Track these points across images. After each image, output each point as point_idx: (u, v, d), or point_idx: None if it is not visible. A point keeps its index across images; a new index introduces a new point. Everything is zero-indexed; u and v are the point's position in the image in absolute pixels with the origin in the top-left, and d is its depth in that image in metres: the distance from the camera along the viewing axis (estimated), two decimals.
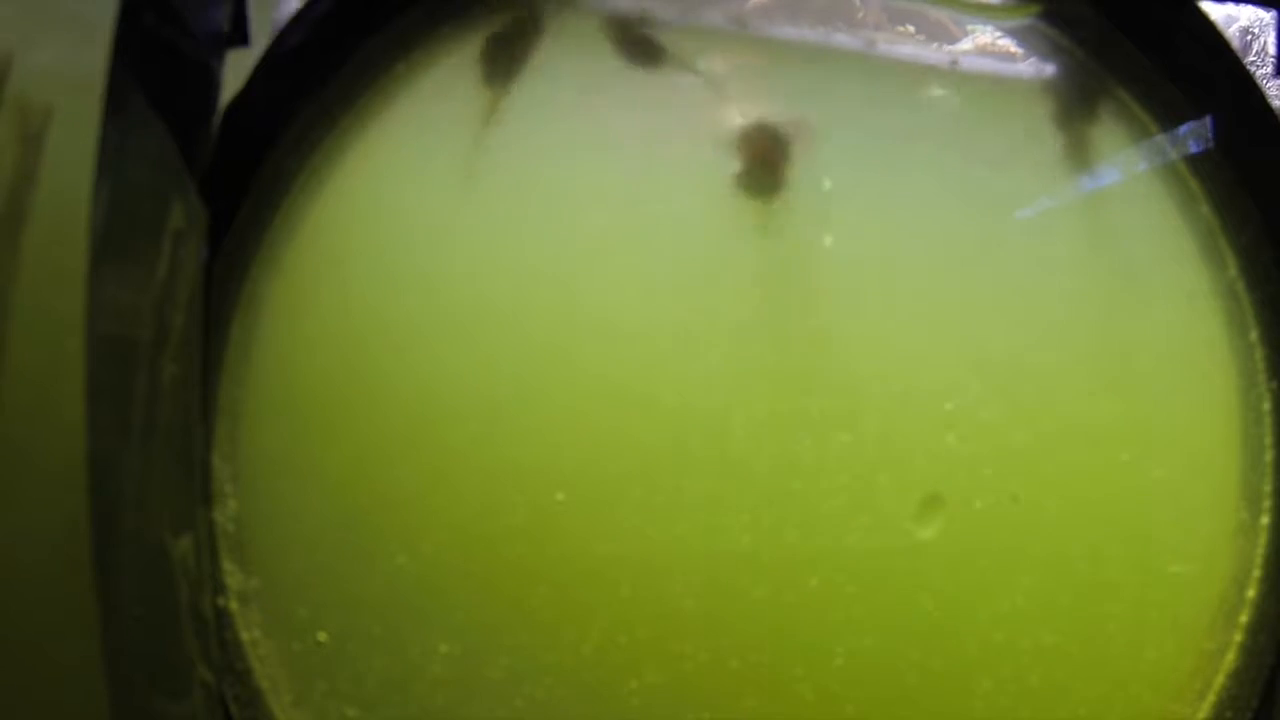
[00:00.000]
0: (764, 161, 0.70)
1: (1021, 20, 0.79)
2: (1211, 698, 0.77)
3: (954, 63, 0.76)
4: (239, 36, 0.73)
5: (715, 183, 0.75)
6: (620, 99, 0.76)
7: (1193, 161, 0.78)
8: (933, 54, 0.77)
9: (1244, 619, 0.77)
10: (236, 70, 0.73)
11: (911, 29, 0.77)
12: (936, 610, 0.74)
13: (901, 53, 0.76)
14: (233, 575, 0.73)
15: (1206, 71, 0.78)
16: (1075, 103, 0.78)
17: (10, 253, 0.49)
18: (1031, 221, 0.77)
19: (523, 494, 0.73)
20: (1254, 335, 0.78)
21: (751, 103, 0.74)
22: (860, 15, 0.77)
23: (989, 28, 0.78)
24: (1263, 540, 0.77)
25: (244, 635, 0.73)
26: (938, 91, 0.77)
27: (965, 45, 0.77)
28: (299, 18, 0.74)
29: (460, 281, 0.74)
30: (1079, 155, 0.78)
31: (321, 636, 0.73)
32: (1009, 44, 0.78)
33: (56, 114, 0.50)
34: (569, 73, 0.76)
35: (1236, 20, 0.81)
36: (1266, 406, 0.77)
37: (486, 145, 0.74)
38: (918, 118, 0.77)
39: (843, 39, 0.75)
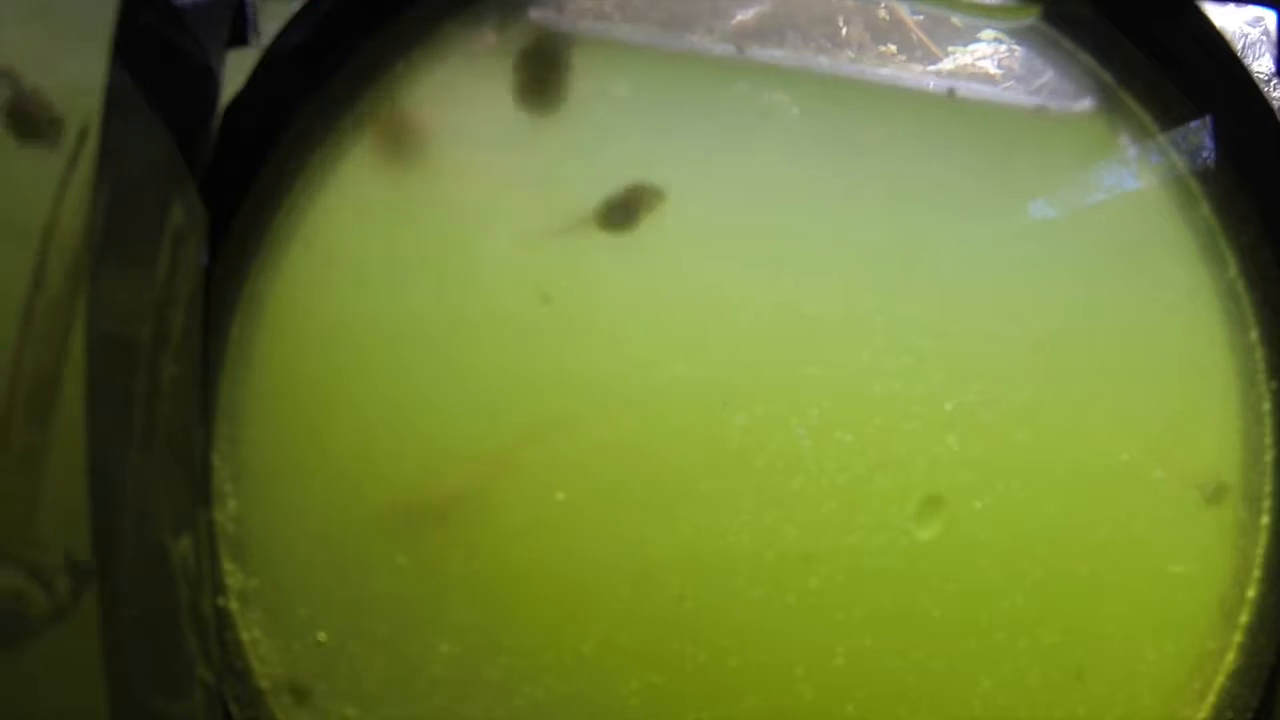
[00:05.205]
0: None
1: (1022, 21, 0.79)
2: (1211, 698, 0.77)
3: (951, 91, 0.77)
4: (239, 36, 0.73)
5: (712, 184, 0.75)
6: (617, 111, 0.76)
7: (1193, 162, 0.78)
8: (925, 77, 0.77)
9: (1244, 619, 0.77)
10: (236, 70, 0.73)
11: (894, 48, 0.77)
12: (936, 610, 0.74)
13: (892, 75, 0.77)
14: (233, 575, 0.73)
15: (1207, 72, 0.78)
16: (1074, 109, 0.78)
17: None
18: (1031, 224, 0.77)
19: (523, 494, 0.73)
20: (1254, 335, 0.78)
21: None
22: (844, 33, 0.77)
23: (970, 48, 0.78)
24: (1263, 540, 0.77)
25: (244, 635, 0.73)
26: (933, 106, 0.77)
27: (947, 65, 0.78)
28: (299, 18, 0.74)
29: (460, 282, 0.74)
30: (1079, 157, 0.78)
31: (321, 636, 0.73)
32: (988, 66, 0.78)
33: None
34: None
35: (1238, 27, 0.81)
36: (1266, 406, 0.77)
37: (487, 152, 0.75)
38: (916, 129, 0.77)
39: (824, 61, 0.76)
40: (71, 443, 0.50)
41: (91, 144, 0.50)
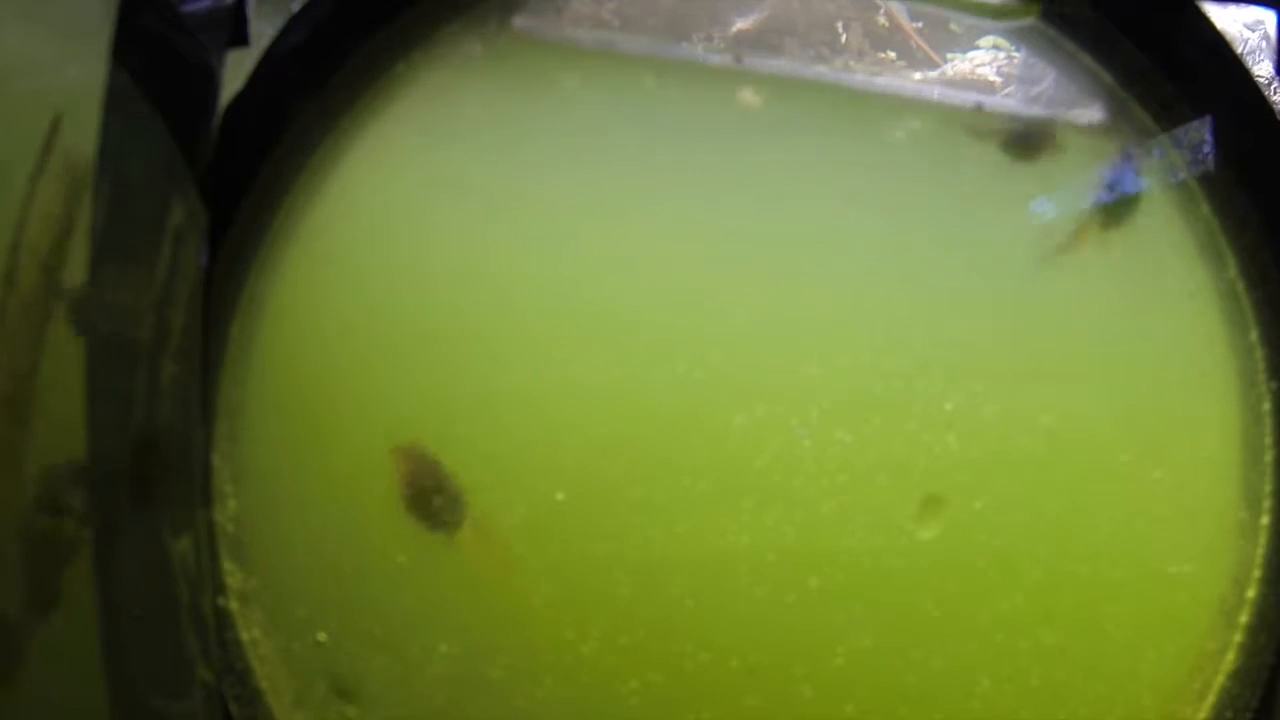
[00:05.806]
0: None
1: (1021, 21, 0.79)
2: (1211, 698, 0.77)
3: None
4: (239, 36, 0.73)
5: (712, 185, 0.75)
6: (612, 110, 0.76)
7: (1193, 162, 0.78)
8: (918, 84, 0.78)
9: (1244, 619, 0.77)
10: (236, 70, 0.73)
11: (893, 55, 0.77)
12: (936, 610, 0.74)
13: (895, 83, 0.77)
14: (233, 575, 0.73)
15: (1207, 71, 0.78)
16: (1075, 112, 0.79)
17: (50, 294, 0.50)
18: (1031, 223, 0.77)
19: (523, 494, 0.73)
20: (1254, 335, 0.78)
21: None
22: (844, 40, 0.77)
23: (970, 55, 0.78)
24: (1263, 540, 0.77)
25: (244, 635, 0.73)
26: (931, 107, 0.77)
27: (947, 71, 0.78)
28: (299, 18, 0.74)
29: (460, 282, 0.74)
30: (1078, 157, 0.78)
31: (321, 636, 0.73)
32: (988, 73, 0.78)
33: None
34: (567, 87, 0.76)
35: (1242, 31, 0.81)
36: (1266, 406, 0.77)
37: (488, 154, 0.75)
38: (914, 129, 0.77)
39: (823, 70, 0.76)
40: (70, 441, 0.50)
41: (91, 144, 0.51)
